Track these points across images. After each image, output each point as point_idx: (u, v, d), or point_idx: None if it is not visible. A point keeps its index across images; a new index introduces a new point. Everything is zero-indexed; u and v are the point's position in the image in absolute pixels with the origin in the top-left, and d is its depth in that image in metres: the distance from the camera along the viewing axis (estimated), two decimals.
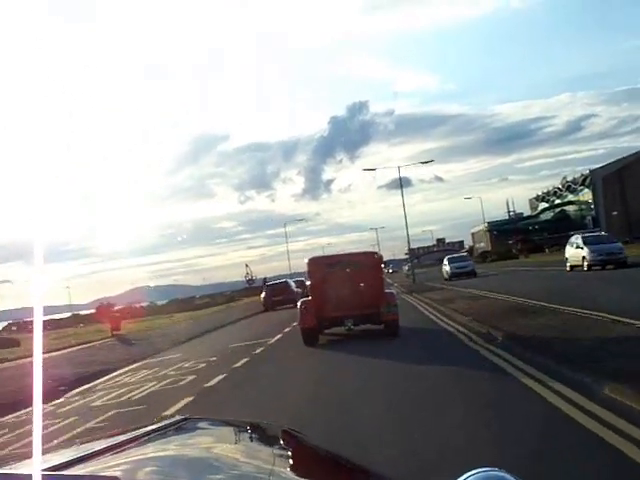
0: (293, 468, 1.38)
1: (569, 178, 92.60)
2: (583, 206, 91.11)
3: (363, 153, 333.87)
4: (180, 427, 1.66)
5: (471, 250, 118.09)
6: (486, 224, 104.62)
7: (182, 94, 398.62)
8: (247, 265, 42.54)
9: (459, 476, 0.95)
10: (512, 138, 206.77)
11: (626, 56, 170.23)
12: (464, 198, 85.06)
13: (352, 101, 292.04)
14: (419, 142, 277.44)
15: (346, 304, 13.24)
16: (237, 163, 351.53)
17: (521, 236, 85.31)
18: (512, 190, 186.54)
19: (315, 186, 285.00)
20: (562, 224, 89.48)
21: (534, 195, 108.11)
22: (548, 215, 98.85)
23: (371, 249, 28.99)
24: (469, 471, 0.95)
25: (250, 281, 41.51)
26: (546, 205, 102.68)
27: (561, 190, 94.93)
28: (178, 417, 1.75)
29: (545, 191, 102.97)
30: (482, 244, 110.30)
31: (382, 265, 14.94)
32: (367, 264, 13.85)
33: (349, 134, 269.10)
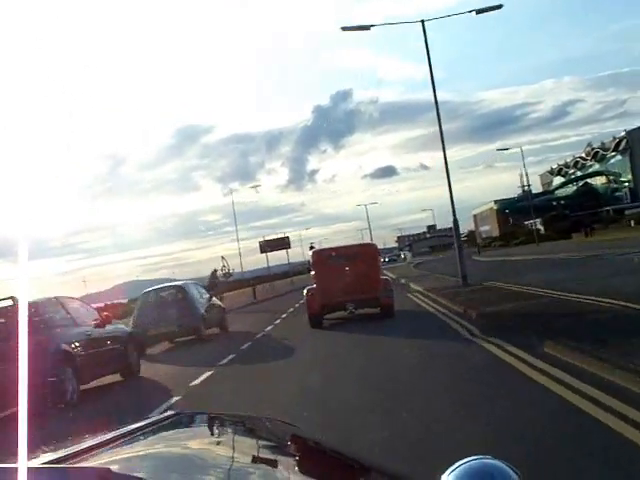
0: (286, 460, 1.43)
1: (595, 144, 76.58)
2: (612, 177, 75.43)
3: (348, 142, 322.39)
4: (172, 422, 1.65)
5: (472, 235, 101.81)
6: (493, 203, 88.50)
7: (165, 86, 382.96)
8: (223, 257, 36.08)
9: (451, 465, 0.95)
10: (497, 125, 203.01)
11: (610, 40, 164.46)
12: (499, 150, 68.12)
13: (336, 90, 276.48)
14: (404, 130, 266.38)
15: (347, 290, 14.04)
16: (220, 155, 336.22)
17: (553, 213, 68.74)
18: (498, 177, 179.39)
19: (299, 177, 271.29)
20: (587, 199, 74.09)
21: (547, 169, 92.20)
22: (569, 190, 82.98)
23: (361, 239, 32.22)
24: (460, 460, 0.95)
25: (227, 274, 35.41)
26: (563, 179, 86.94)
27: (585, 159, 78.94)
28: (170, 412, 1.77)
29: (562, 163, 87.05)
30: (487, 227, 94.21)
31: (378, 255, 17.31)
32: (365, 254, 14.85)
33: (333, 123, 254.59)
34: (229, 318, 18.87)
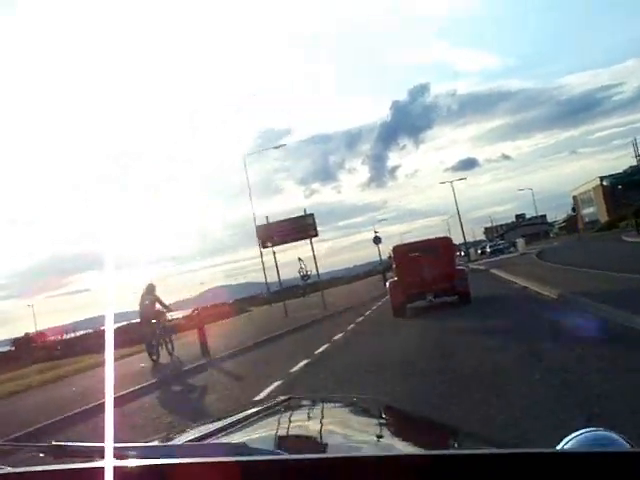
0: (396, 439, 1.53)
1: None
2: None
3: (427, 137, 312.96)
4: (285, 406, 1.78)
5: (574, 220, 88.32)
6: (599, 180, 75.22)
7: (243, 90, 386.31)
8: (300, 259, 32.03)
9: (564, 437, 0.95)
10: (579, 109, 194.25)
11: None
12: None
13: (413, 85, 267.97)
14: (484, 121, 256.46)
15: (426, 281, 15.44)
16: (301, 156, 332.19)
17: None
18: (583, 163, 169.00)
19: (380, 174, 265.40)
20: None
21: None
22: None
23: (447, 232, 33.32)
24: (574, 432, 0.95)
25: (305, 277, 31.47)
26: None
27: None
28: (282, 397, 1.88)
29: None
30: (591, 209, 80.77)
31: (454, 247, 18.93)
32: (441, 247, 16.17)
33: (412, 118, 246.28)
34: None
